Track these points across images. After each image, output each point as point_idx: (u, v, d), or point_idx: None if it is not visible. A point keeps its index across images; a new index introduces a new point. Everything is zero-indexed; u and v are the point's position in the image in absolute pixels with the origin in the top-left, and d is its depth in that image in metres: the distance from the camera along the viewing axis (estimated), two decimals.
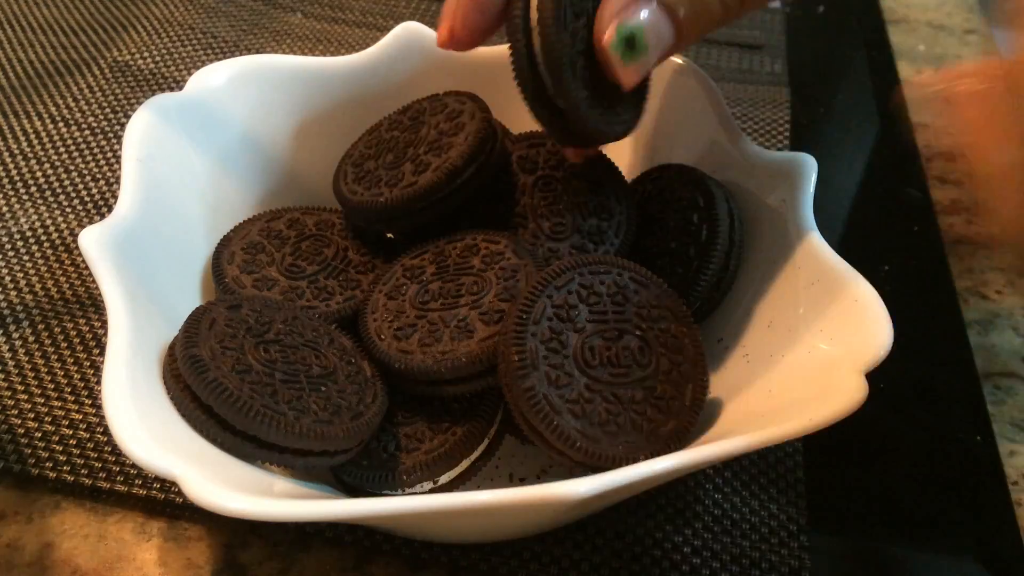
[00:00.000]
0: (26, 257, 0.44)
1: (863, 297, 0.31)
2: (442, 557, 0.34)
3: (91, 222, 0.45)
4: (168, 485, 0.35)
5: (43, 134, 0.51)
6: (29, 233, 0.45)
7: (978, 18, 0.71)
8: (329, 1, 0.66)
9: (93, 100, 0.54)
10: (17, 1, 0.63)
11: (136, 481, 0.35)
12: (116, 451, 0.36)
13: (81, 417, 0.37)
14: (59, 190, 0.47)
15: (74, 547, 0.34)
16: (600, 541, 0.35)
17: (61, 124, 0.52)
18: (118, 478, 0.35)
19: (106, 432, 0.37)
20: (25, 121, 0.51)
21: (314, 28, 0.62)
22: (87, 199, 0.47)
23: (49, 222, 0.46)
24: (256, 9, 0.64)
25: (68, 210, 0.46)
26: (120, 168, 0.35)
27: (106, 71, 0.56)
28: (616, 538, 0.35)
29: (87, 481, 0.35)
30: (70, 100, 0.54)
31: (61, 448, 0.36)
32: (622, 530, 0.35)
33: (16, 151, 0.49)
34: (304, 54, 0.59)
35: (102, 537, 0.34)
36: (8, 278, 0.42)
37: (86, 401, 0.38)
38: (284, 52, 0.60)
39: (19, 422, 0.37)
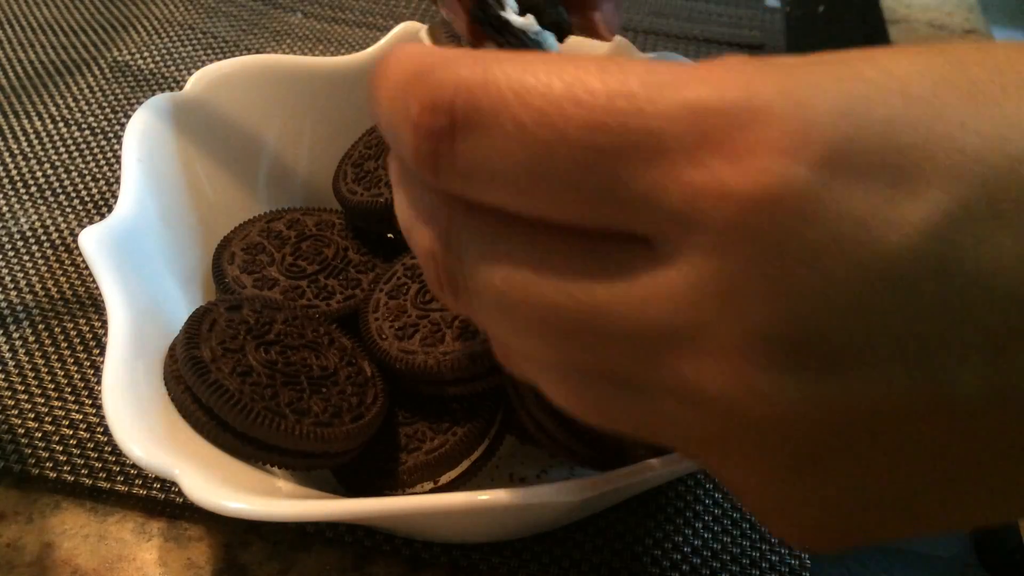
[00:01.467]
0: (26, 257, 0.44)
1: None
2: (442, 557, 0.34)
3: (91, 222, 0.45)
4: (168, 485, 0.35)
5: (43, 134, 0.51)
6: (29, 233, 0.45)
7: (978, 18, 0.71)
8: (329, 1, 0.66)
9: (93, 100, 0.54)
10: (17, 1, 0.63)
11: (136, 481, 0.35)
12: (116, 451, 0.36)
13: (81, 417, 0.37)
14: (59, 190, 0.47)
15: (74, 547, 0.34)
16: (600, 541, 0.35)
17: (61, 124, 0.52)
18: (118, 478, 0.35)
19: (106, 432, 0.37)
20: (25, 121, 0.51)
21: (314, 28, 0.62)
22: (87, 199, 0.47)
23: (49, 222, 0.46)
24: (256, 9, 0.64)
25: (68, 210, 0.46)
26: (120, 168, 0.35)
27: (106, 71, 0.56)
28: (616, 538, 0.35)
29: (87, 481, 0.35)
30: (70, 100, 0.54)
31: (61, 448, 0.36)
32: (622, 530, 0.35)
33: (16, 151, 0.49)
34: (304, 54, 0.59)
35: (102, 537, 0.34)
36: (8, 278, 0.42)
37: (86, 401, 0.38)
38: (284, 52, 0.60)
39: (19, 422, 0.37)
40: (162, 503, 0.35)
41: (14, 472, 0.35)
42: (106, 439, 0.36)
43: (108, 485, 0.35)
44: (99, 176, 0.49)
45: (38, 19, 0.61)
